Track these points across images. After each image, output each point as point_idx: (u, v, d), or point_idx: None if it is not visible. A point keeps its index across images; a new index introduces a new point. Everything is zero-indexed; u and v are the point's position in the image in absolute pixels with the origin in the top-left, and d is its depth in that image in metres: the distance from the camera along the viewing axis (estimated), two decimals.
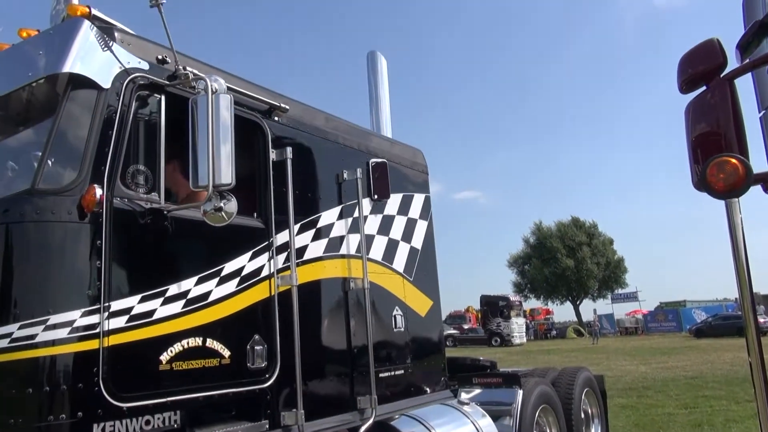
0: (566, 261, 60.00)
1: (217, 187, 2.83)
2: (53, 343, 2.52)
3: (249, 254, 3.39)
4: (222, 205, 2.91)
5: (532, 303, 66.69)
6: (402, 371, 4.47)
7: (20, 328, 2.49)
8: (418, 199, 5.06)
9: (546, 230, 64.22)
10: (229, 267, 3.25)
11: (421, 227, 5.03)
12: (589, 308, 62.42)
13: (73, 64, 2.80)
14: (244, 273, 3.32)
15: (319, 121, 4.21)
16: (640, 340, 41.95)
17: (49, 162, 2.77)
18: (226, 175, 2.83)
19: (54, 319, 2.53)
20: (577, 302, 65.58)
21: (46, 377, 2.50)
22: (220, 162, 2.82)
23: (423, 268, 4.91)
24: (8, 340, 2.49)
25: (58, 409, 2.49)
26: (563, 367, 7.75)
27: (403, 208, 4.86)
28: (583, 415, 7.33)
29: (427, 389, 4.75)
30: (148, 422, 2.72)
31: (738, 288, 1.86)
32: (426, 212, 5.13)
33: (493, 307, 45.11)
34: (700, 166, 1.93)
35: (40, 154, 2.77)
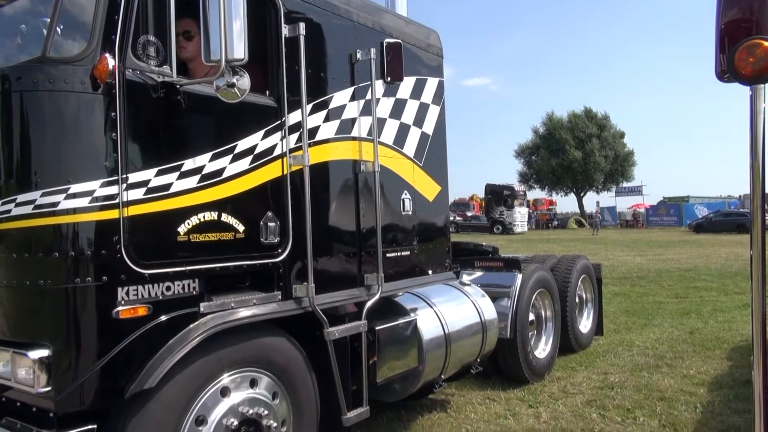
0: (574, 153, 59.68)
1: (230, 62, 2.78)
2: (75, 211, 2.61)
3: (261, 132, 3.40)
4: (235, 80, 2.87)
5: (537, 193, 67.36)
6: (408, 252, 4.63)
7: (42, 195, 2.58)
8: (431, 84, 4.96)
9: (557, 121, 63.20)
10: (242, 145, 3.27)
11: (433, 112, 4.97)
12: (592, 200, 62.99)
13: None
14: (256, 151, 3.35)
15: None
16: (639, 233, 42.81)
17: (58, 29, 2.71)
18: (239, 50, 2.77)
19: (74, 188, 2.60)
20: (581, 194, 66.11)
21: (70, 243, 2.62)
22: (232, 36, 2.75)
23: (433, 154, 4.93)
24: (32, 206, 2.58)
25: (84, 273, 2.63)
26: (563, 255, 8.02)
27: (416, 92, 4.77)
28: (577, 300, 7.72)
29: (431, 270, 4.96)
30: (168, 288, 2.89)
31: (750, 179, 1.87)
32: (439, 97, 5.05)
33: (497, 196, 45.63)
34: (726, 54, 1.86)
35: (48, 20, 2.70)
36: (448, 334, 4.72)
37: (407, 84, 4.63)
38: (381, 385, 4.17)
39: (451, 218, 48.03)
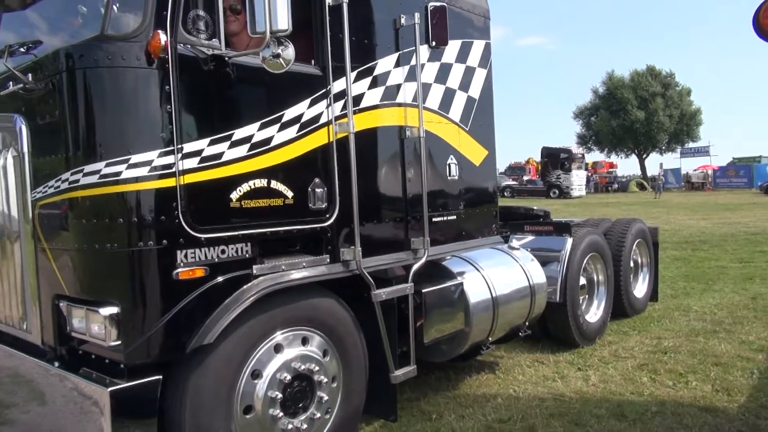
0: (636, 113, 57.11)
1: (274, 33, 2.87)
2: (136, 180, 2.81)
3: (308, 101, 3.50)
4: (280, 51, 2.97)
5: (596, 156, 65.22)
6: (454, 216, 4.68)
7: (107, 165, 2.78)
8: (477, 46, 4.90)
9: (618, 80, 60.47)
10: (289, 113, 3.39)
11: (480, 76, 4.92)
12: (655, 162, 60.35)
13: None
14: (303, 120, 3.46)
15: None
16: (705, 196, 40.95)
17: (114, 8, 2.86)
18: (283, 21, 2.85)
19: (135, 158, 2.79)
20: (644, 156, 63.53)
21: (132, 209, 2.83)
22: (276, 8, 2.83)
23: (479, 118, 4.90)
24: (97, 176, 2.79)
25: (146, 237, 2.84)
26: (617, 219, 7.85)
27: (462, 56, 4.74)
28: (632, 264, 7.58)
29: (478, 234, 4.99)
30: (223, 251, 3.07)
31: None
32: (485, 60, 4.99)
33: (554, 159, 44.48)
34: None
35: (105, 0, 2.85)
36: (495, 298, 4.77)
37: (453, 48, 4.60)
38: (429, 346, 4.29)
39: (507, 182, 47.55)
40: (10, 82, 3.12)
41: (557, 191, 43.34)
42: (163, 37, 2.79)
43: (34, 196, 3.13)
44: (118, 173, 2.78)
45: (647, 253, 7.91)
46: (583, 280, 6.38)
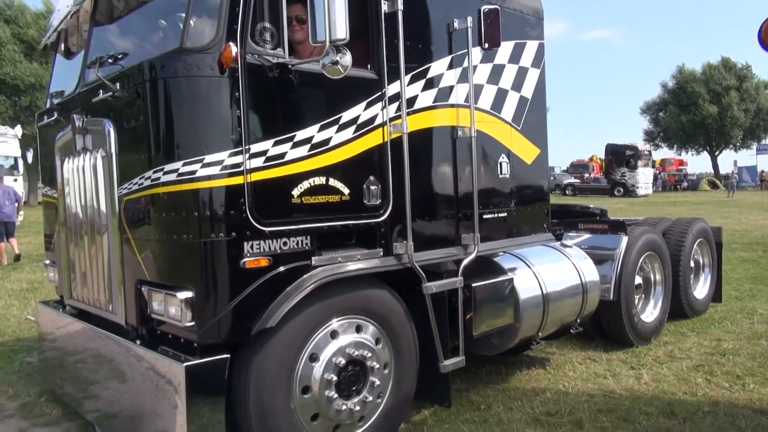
0: (708, 107, 54.39)
1: (333, 42, 3.11)
2: (209, 177, 3.11)
3: (364, 104, 3.73)
4: (338, 58, 3.20)
5: (664, 153, 62.69)
6: (505, 214, 4.80)
7: (184, 165, 3.10)
8: (531, 47, 4.99)
9: (688, 73, 57.78)
10: (346, 116, 3.62)
11: (533, 76, 5.02)
12: (728, 159, 57.38)
13: None
14: (359, 121, 3.69)
15: None
16: None
17: (191, 22, 3.18)
18: (341, 30, 3.08)
19: (208, 158, 3.10)
20: (716, 153, 60.50)
21: (205, 204, 3.14)
22: (335, 19, 3.06)
23: (532, 117, 5.00)
24: (176, 174, 3.11)
25: (218, 229, 3.14)
26: (677, 218, 7.70)
27: (515, 56, 4.85)
28: (693, 264, 7.43)
29: (529, 232, 5.09)
30: (285, 243, 3.35)
31: None
32: (539, 60, 5.08)
33: (619, 157, 43.12)
34: None
35: (184, 15, 3.17)
36: (545, 294, 4.86)
37: (505, 49, 4.72)
38: (479, 339, 4.44)
39: (569, 180, 46.39)
40: (101, 90, 3.50)
41: (622, 190, 42.04)
42: (233, 49, 3.08)
43: (120, 192, 3.50)
44: (194, 172, 3.09)
45: (709, 254, 7.72)
46: (639, 279, 6.34)
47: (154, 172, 3.18)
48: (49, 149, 4.51)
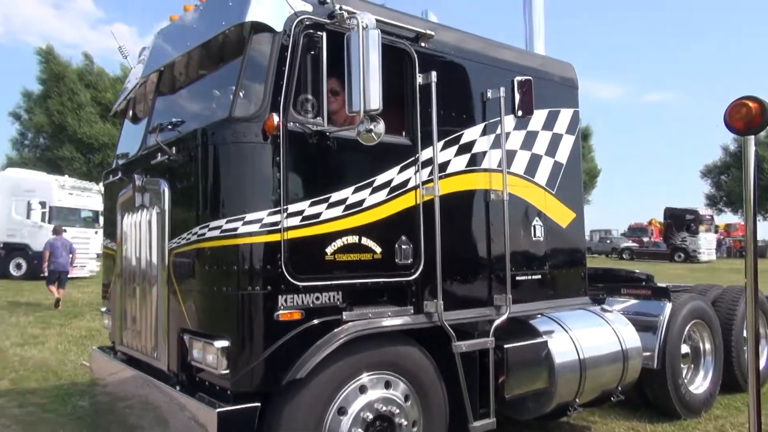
0: None
1: (368, 112, 3.36)
2: (249, 234, 3.36)
3: (398, 168, 3.95)
4: (372, 127, 3.44)
5: (728, 218, 60.25)
6: (539, 276, 4.84)
7: (227, 222, 3.36)
8: (565, 114, 5.15)
9: None
10: (380, 179, 3.84)
11: (567, 142, 5.15)
12: None
13: (252, 13, 3.45)
14: (393, 184, 3.90)
15: (464, 43, 4.48)
16: None
17: (240, 95, 3.52)
18: (375, 101, 3.34)
19: (249, 217, 3.36)
20: None
21: (245, 259, 3.37)
22: (369, 91, 3.33)
23: (566, 182, 5.10)
24: (219, 230, 3.38)
25: (256, 282, 3.36)
26: (729, 285, 7.44)
27: (549, 124, 5.01)
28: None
29: (565, 295, 5.09)
30: (317, 298, 3.52)
31: (745, 221, 2.00)
32: (573, 127, 5.22)
33: (679, 221, 41.80)
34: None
35: (234, 88, 3.53)
36: (582, 359, 4.79)
37: (539, 116, 4.90)
38: (513, 402, 4.42)
39: (626, 244, 45.03)
40: (159, 154, 3.87)
41: (683, 255, 40.53)
42: (276, 118, 3.39)
43: (170, 246, 3.80)
44: (236, 229, 3.35)
45: (765, 324, 7.38)
46: (686, 349, 6.15)
47: (200, 228, 3.46)
48: (112, 205, 4.93)
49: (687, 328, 6.08)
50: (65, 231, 16.26)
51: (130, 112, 5.21)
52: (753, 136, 1.97)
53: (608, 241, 53.37)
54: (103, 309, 5.44)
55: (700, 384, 6.21)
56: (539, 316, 4.87)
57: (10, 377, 7.51)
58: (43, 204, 21.71)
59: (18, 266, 22.33)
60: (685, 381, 5.99)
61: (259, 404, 3.33)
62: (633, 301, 6.22)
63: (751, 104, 1.91)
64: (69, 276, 15.27)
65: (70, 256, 14.90)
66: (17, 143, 39.98)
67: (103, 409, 5.15)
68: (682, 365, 6.04)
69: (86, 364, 6.12)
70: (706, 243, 40.82)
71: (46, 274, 14.73)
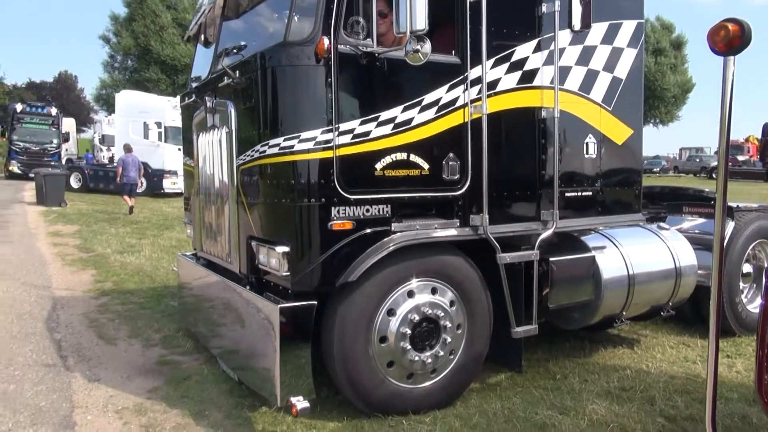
0: None
1: (414, 33, 3.49)
2: (304, 152, 3.67)
3: (446, 87, 4.07)
4: (419, 47, 3.57)
5: None
6: (590, 192, 4.91)
7: (284, 140, 3.68)
8: (627, 27, 4.98)
9: None
10: (428, 98, 4.00)
11: (628, 56, 5.01)
12: None
13: None
14: (441, 102, 4.05)
15: None
16: None
17: (295, 18, 3.73)
18: (421, 22, 3.45)
19: (304, 135, 3.65)
20: None
21: (301, 174, 3.70)
22: (415, 11, 3.43)
23: (625, 98, 5.01)
24: (278, 148, 3.71)
25: (312, 195, 3.70)
26: None
27: (609, 37, 4.88)
28: None
29: (618, 212, 5.14)
30: (367, 210, 3.83)
31: (720, 147, 2.06)
32: (636, 40, 5.05)
33: None
34: None
35: (287, 13, 3.73)
36: (632, 275, 4.90)
37: (598, 30, 4.78)
38: (558, 312, 4.66)
39: (716, 163, 42.41)
40: (225, 77, 4.19)
41: None
42: (326, 42, 3.58)
43: (237, 162, 4.19)
44: (292, 146, 3.66)
45: None
46: (748, 268, 6.08)
47: (261, 146, 3.80)
48: (188, 125, 5.38)
49: (750, 247, 5.99)
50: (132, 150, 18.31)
51: (202, 37, 5.52)
52: (733, 57, 1.98)
53: (698, 160, 50.36)
54: (186, 220, 6.06)
55: (759, 303, 6.15)
56: (592, 232, 4.98)
57: (113, 279, 8.54)
58: (158, 124, 22.89)
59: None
60: (745, 300, 5.98)
61: (315, 302, 3.76)
62: (701, 220, 6.16)
63: (730, 27, 1.91)
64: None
65: (139, 170, 17.51)
66: (108, 66, 42.16)
67: (188, 308, 5.87)
68: (743, 284, 6.01)
69: (175, 269, 6.89)
70: None
71: (123, 186, 17.30)
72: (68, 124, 35.90)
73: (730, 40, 1.94)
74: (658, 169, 50.88)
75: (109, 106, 40.29)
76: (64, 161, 31.57)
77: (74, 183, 25.53)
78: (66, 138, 32.93)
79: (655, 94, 47.24)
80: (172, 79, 38.86)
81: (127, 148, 17.94)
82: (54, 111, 31.91)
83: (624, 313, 5.03)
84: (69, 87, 66.06)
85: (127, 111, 24.62)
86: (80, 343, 5.73)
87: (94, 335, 5.96)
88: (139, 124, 23.38)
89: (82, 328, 6.20)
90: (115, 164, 23.01)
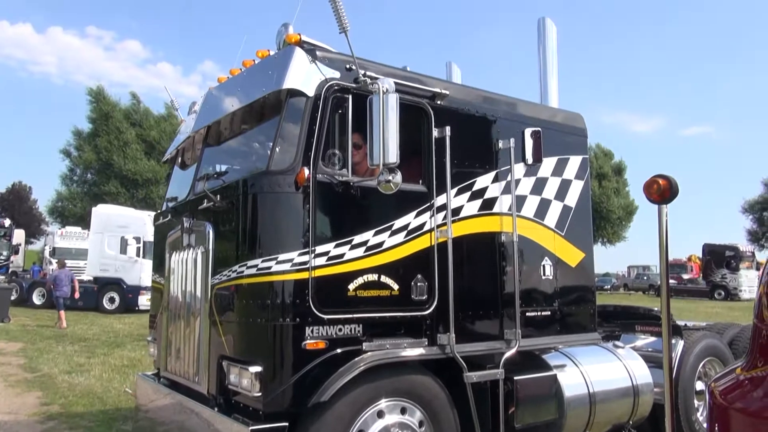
0: None
1: (386, 165, 3.84)
2: (281, 273, 3.83)
3: (414, 213, 4.40)
4: (390, 178, 3.92)
5: None
6: (548, 312, 5.18)
7: (262, 261, 3.85)
8: (574, 161, 5.55)
9: None
10: (398, 223, 4.30)
11: (576, 187, 5.53)
12: None
13: (288, 82, 4.00)
14: (410, 227, 4.35)
15: (476, 99, 4.96)
16: None
17: (277, 150, 4.05)
18: (393, 156, 3.82)
19: (281, 257, 3.83)
20: None
21: (277, 294, 3.84)
22: (388, 147, 3.81)
23: (576, 224, 5.46)
24: (255, 269, 3.86)
25: (287, 315, 3.82)
26: (747, 323, 7.55)
27: (558, 170, 5.41)
28: None
29: (574, 331, 5.39)
30: (340, 329, 3.95)
31: (661, 280, 2.40)
32: (582, 172, 5.60)
33: (718, 258, 40.96)
34: None
35: (271, 145, 4.06)
36: (592, 393, 5.06)
37: (549, 163, 5.31)
38: (524, 431, 4.71)
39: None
40: (205, 200, 4.41)
41: (723, 292, 39.59)
42: (306, 171, 3.89)
43: (213, 281, 4.29)
44: (269, 267, 3.83)
45: None
46: (701, 385, 6.31)
47: (239, 266, 3.95)
48: (161, 244, 5.50)
49: (701, 365, 6.27)
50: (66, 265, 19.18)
51: (180, 159, 5.82)
52: (665, 206, 2.37)
53: (645, 278, 52.33)
54: (149, 338, 5.97)
55: None
56: (552, 350, 5.18)
57: (60, 402, 8.09)
58: (137, 239, 22.50)
59: (111, 300, 22.92)
60: (701, 418, 6.14)
61: (287, 424, 3.74)
62: (651, 339, 6.45)
63: (661, 181, 2.33)
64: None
65: (73, 284, 18.06)
66: (66, 178, 42.09)
67: None
68: (697, 402, 6.21)
69: (129, 391, 6.64)
70: (747, 280, 39.74)
71: (56, 300, 17.56)
72: (18, 235, 35.04)
73: (662, 192, 2.31)
74: (609, 287, 52.57)
75: (63, 219, 39.72)
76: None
77: (36, 299, 24.49)
78: (16, 251, 32.00)
79: (601, 215, 49.88)
80: (131, 192, 38.96)
81: (61, 264, 18.82)
82: (7, 222, 31.26)
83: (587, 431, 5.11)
84: (21, 198, 65.13)
85: (103, 225, 23.76)
86: None
87: None
88: (116, 238, 22.83)
89: None
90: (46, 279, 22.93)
